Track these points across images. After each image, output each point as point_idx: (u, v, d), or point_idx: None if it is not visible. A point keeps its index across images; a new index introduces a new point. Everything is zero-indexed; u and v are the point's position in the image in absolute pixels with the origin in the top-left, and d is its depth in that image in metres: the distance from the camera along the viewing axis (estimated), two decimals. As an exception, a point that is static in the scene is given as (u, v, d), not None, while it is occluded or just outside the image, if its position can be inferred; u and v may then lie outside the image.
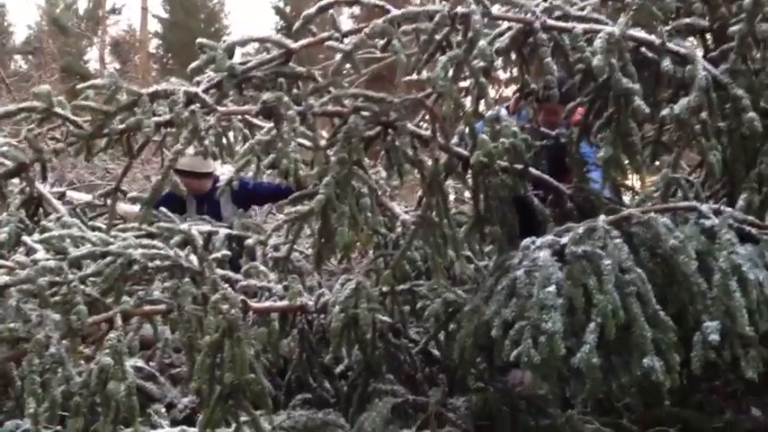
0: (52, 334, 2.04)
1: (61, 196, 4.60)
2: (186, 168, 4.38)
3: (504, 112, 2.92)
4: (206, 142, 2.56)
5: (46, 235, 2.50)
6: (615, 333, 2.21)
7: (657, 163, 3.18)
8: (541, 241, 2.48)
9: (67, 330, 2.11)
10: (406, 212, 3.75)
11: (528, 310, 2.27)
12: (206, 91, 2.71)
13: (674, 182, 2.72)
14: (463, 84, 2.97)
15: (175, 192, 2.73)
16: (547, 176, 3.16)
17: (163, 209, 3.31)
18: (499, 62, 3.03)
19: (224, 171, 4.66)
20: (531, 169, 3.05)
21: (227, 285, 2.34)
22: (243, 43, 2.94)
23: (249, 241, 3.39)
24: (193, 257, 2.46)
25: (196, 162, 4.26)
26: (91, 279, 2.31)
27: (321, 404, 2.88)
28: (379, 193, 3.09)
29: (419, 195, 3.18)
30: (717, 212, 2.46)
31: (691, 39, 3.17)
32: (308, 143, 2.92)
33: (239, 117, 2.87)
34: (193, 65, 2.77)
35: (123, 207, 4.43)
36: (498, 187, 2.93)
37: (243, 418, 2.27)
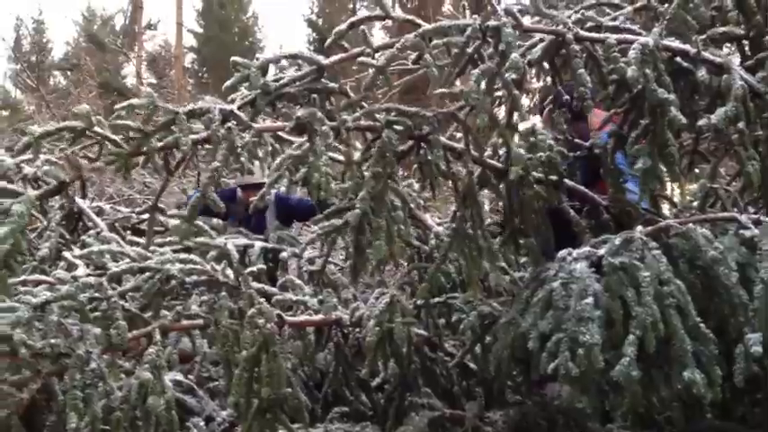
0: (93, 349, 2.08)
1: (100, 211, 4.70)
2: (256, 182, 4.52)
3: (538, 124, 2.91)
4: (242, 159, 2.59)
5: (86, 250, 2.55)
6: (655, 346, 2.18)
7: (697, 171, 3.14)
8: (578, 253, 2.46)
9: (108, 345, 2.14)
10: (439, 224, 3.76)
11: (565, 323, 2.25)
12: (240, 108, 2.75)
13: (713, 192, 2.68)
14: (496, 93, 2.97)
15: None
16: (582, 187, 3.14)
17: (200, 223, 3.36)
18: (533, 72, 3.02)
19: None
20: (566, 180, 3.03)
21: (263, 299, 2.36)
22: (276, 60, 2.97)
23: (284, 254, 3.42)
24: (230, 272, 2.49)
25: (259, 174, 4.38)
26: (130, 294, 2.35)
27: (358, 417, 2.89)
28: (412, 205, 3.10)
29: (453, 208, 3.18)
30: (757, 222, 2.42)
31: (728, 46, 3.13)
32: (339, 157, 2.94)
33: (271, 133, 2.91)
34: (228, 83, 2.80)
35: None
36: (533, 199, 2.91)
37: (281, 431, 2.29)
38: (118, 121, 2.59)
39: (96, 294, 2.21)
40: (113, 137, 2.55)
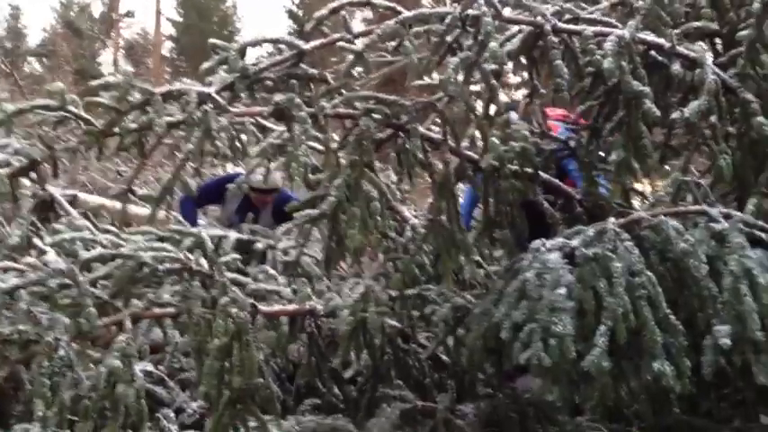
0: (62, 336, 2.06)
1: (73, 199, 4.64)
2: (265, 187, 4.49)
3: (514, 115, 2.92)
4: (218, 143, 2.57)
5: (57, 237, 2.52)
6: (625, 337, 2.20)
7: (668, 167, 3.17)
8: (551, 243, 2.47)
9: (77, 333, 2.12)
10: (415, 216, 3.75)
11: (538, 312, 2.26)
12: (218, 92, 2.72)
13: (684, 185, 2.70)
14: (474, 87, 2.97)
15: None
16: (556, 180, 3.15)
17: (174, 213, 3.34)
18: (509, 66, 3.03)
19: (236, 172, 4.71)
20: (541, 173, 3.04)
21: (236, 288, 2.34)
22: (255, 44, 2.96)
23: (258, 245, 3.39)
24: (203, 260, 2.47)
25: (270, 179, 4.34)
26: (101, 282, 2.32)
27: (330, 409, 2.87)
28: (389, 196, 3.09)
29: (431, 200, 3.18)
30: (726, 216, 2.44)
31: (700, 43, 3.15)
32: (319, 146, 2.92)
33: (252, 119, 2.89)
34: (206, 65, 2.78)
35: (84, 198, 4.57)
36: (508, 191, 2.92)
37: (251, 423, 2.27)
38: (92, 98, 2.55)
39: (66, 281, 2.18)
40: (87, 116, 2.52)
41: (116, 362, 2.03)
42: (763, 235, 2.44)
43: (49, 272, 2.17)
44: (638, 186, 3.31)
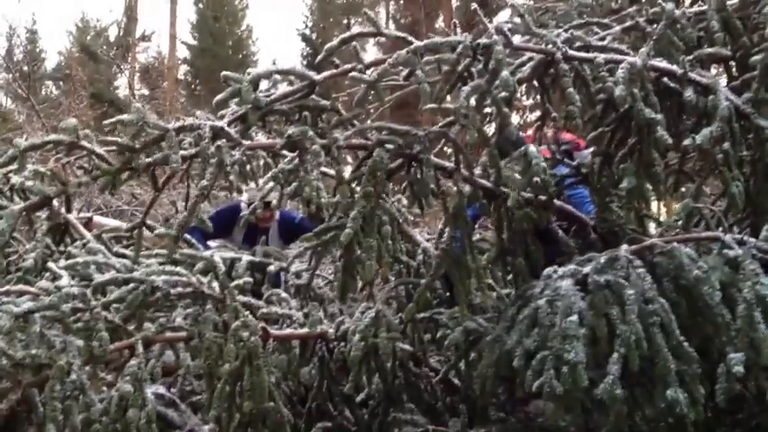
0: (74, 360, 2.07)
1: (88, 222, 4.68)
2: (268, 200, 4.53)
3: (532, 148, 2.92)
4: (231, 177, 2.59)
5: (71, 261, 2.54)
6: (639, 364, 2.18)
7: (683, 191, 3.16)
8: (563, 270, 2.47)
9: (89, 357, 2.13)
10: (427, 240, 3.76)
11: (550, 340, 2.26)
12: (231, 123, 2.75)
13: (696, 212, 2.70)
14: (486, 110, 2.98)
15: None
16: (570, 207, 3.15)
17: (187, 236, 3.36)
18: (523, 89, 3.04)
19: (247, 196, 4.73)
20: (555, 200, 3.04)
21: (248, 312, 2.35)
22: (267, 75, 2.98)
23: (271, 268, 3.41)
24: (215, 284, 2.48)
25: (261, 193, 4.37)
26: (114, 305, 2.33)
27: (342, 432, 2.87)
28: (401, 221, 3.10)
29: (441, 225, 3.18)
30: (740, 243, 2.43)
31: (716, 66, 3.16)
32: (330, 171, 2.94)
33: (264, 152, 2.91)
34: (218, 98, 2.80)
35: (99, 220, 4.57)
36: (523, 220, 2.92)
37: (262, 446, 2.27)
38: (107, 138, 2.58)
39: (79, 305, 2.19)
40: (101, 152, 2.54)
41: (127, 386, 2.04)
42: (777, 261, 2.43)
43: (61, 295, 2.18)
44: (654, 211, 3.30)
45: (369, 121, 3.17)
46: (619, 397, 2.13)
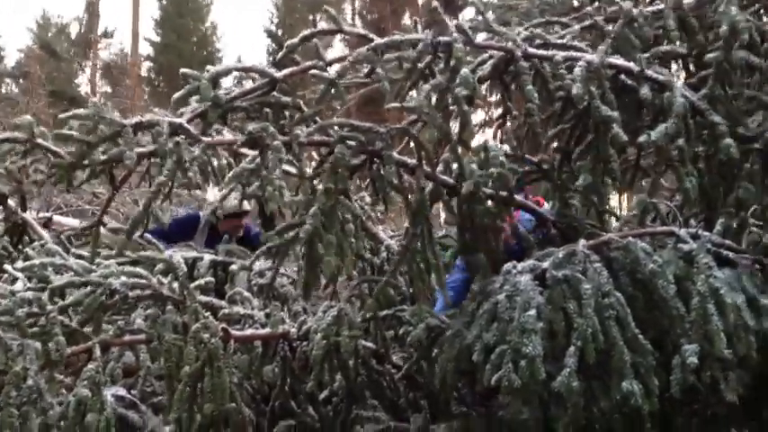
0: (30, 366, 2.04)
1: (47, 221, 4.61)
2: (236, 211, 4.48)
3: (491, 141, 2.95)
4: (190, 174, 2.57)
5: (28, 263, 2.50)
6: (595, 357, 2.22)
7: (644, 185, 3.21)
8: (522, 266, 2.50)
9: (46, 361, 2.10)
10: (391, 237, 3.77)
11: (509, 334, 2.28)
12: (190, 121, 2.73)
13: (651, 207, 2.75)
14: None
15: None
16: (531, 203, 3.19)
17: (148, 236, 3.32)
18: (487, 86, 3.07)
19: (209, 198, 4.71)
20: (516, 196, 3.07)
21: (208, 313, 2.34)
22: (226, 72, 2.96)
23: (233, 267, 3.39)
24: (176, 285, 2.46)
25: (237, 202, 4.32)
26: (71, 309, 2.31)
27: (306, 430, 2.87)
28: (364, 218, 3.10)
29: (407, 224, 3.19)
30: (695, 237, 2.48)
31: (677, 62, 3.21)
32: (293, 170, 2.93)
33: (225, 149, 2.89)
34: (177, 95, 2.78)
35: (59, 220, 4.53)
36: (484, 215, 2.94)
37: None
38: (62, 131, 2.54)
39: (35, 309, 2.16)
40: (55, 149, 2.51)
41: (85, 391, 2.02)
42: (730, 255, 2.49)
43: (16, 300, 2.15)
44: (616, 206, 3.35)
45: (335, 118, 3.17)
46: (575, 389, 2.17)
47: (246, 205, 4.65)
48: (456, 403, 2.82)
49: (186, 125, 2.65)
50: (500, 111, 3.69)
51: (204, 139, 2.68)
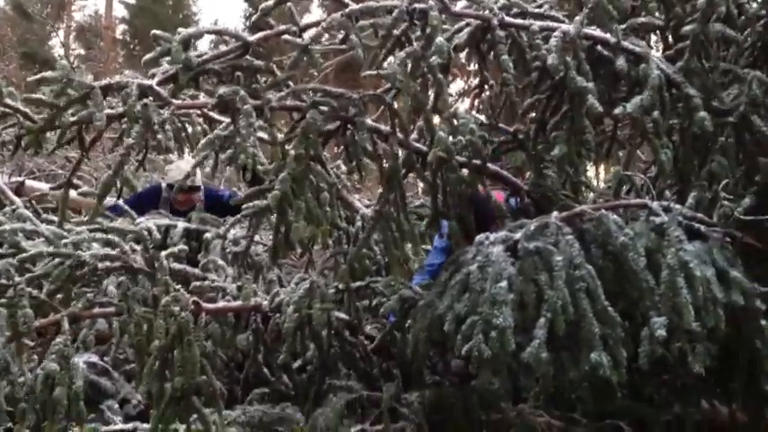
0: (-2, 338, 2.01)
1: (20, 186, 4.54)
2: (192, 185, 4.43)
3: (461, 108, 2.93)
4: (159, 136, 2.52)
5: (-1, 229, 2.46)
6: (565, 329, 2.24)
7: (621, 155, 3.21)
8: (495, 237, 2.50)
9: (13, 333, 2.07)
10: (367, 207, 3.75)
11: (480, 305, 2.29)
12: (162, 84, 2.68)
13: (626, 179, 2.75)
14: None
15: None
16: (505, 172, 3.18)
17: (121, 204, 3.29)
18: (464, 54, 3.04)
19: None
20: (490, 165, 3.06)
21: (179, 286, 2.31)
22: (198, 35, 2.89)
23: (207, 235, 3.37)
24: (146, 256, 2.43)
25: (192, 178, 4.24)
26: (41, 280, 2.27)
27: (280, 398, 2.88)
28: (340, 187, 3.08)
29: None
30: (666, 209, 2.49)
31: (656, 34, 3.19)
32: (266, 137, 2.90)
33: (199, 112, 2.84)
34: (147, 57, 2.73)
35: (31, 185, 4.48)
36: (456, 183, 2.93)
37: (195, 416, 2.26)
38: (30, 95, 2.49)
39: (3, 281, 2.12)
40: (25, 110, 2.45)
41: (53, 364, 2.00)
42: (702, 228, 2.51)
43: (-16, 270, 2.11)
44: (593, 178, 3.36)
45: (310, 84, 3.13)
46: (544, 360, 2.18)
47: (198, 180, 4.63)
48: (428, 372, 2.84)
49: (156, 87, 2.60)
50: (478, 80, 3.67)
51: (174, 101, 2.64)
